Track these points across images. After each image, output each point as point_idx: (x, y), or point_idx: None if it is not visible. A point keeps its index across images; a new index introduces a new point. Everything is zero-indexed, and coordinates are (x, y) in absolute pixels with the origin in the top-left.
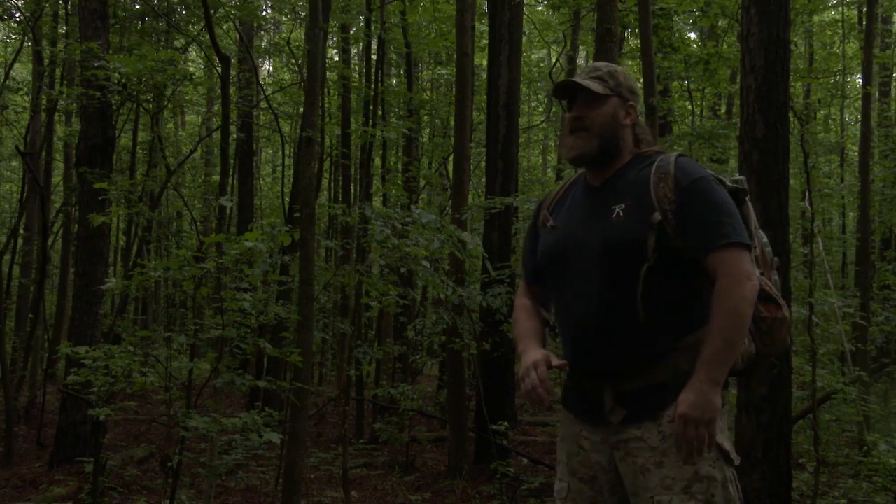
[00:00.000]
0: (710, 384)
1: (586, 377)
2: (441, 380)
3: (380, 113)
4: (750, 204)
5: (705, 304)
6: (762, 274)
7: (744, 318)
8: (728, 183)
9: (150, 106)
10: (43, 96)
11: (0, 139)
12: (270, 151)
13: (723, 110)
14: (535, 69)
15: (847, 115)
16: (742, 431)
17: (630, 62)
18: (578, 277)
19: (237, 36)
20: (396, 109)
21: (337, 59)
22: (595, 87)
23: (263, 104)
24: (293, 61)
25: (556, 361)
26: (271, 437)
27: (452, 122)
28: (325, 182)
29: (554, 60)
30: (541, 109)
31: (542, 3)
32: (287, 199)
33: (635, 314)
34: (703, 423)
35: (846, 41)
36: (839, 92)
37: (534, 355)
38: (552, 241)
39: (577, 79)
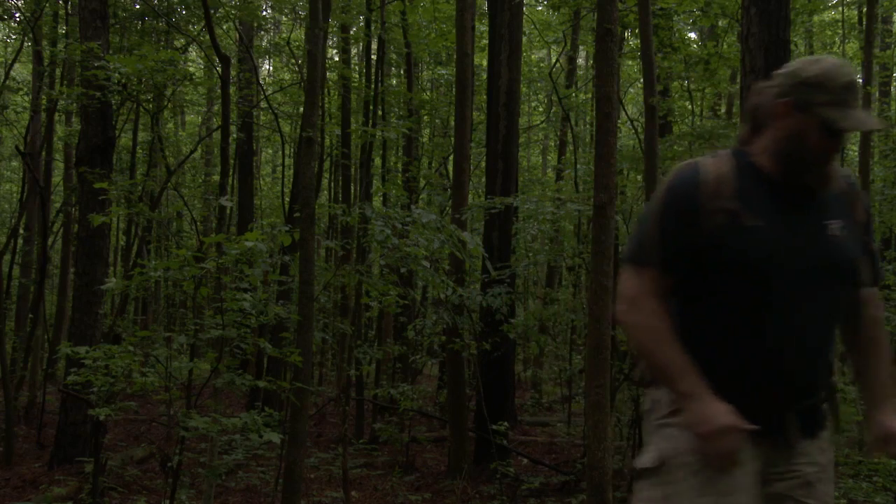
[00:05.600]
0: None
1: (774, 398)
2: (441, 380)
3: (380, 113)
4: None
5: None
6: None
7: None
8: None
9: (150, 106)
10: (43, 96)
11: (0, 139)
12: (270, 151)
13: (723, 110)
14: (535, 69)
15: None
16: None
17: (630, 62)
18: (796, 296)
19: (237, 36)
20: (396, 109)
21: (337, 59)
22: (872, 119)
23: (263, 104)
24: (293, 61)
25: (744, 426)
26: (271, 437)
27: (452, 122)
28: (325, 182)
29: (554, 60)
30: (541, 109)
31: (542, 2)
32: (287, 199)
33: (834, 336)
34: None
35: (846, 41)
36: None
37: (724, 415)
38: (757, 244)
39: (864, 125)
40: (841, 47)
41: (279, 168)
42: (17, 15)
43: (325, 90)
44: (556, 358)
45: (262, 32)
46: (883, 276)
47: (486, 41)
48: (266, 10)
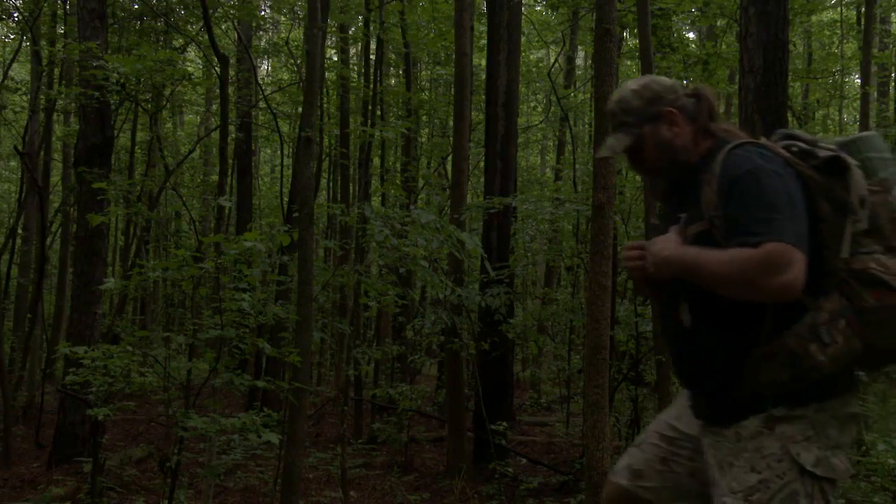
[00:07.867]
0: (681, 250)
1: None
2: (440, 380)
3: (378, 113)
4: (856, 172)
5: (780, 314)
6: (883, 252)
7: (733, 272)
8: (821, 154)
9: (149, 106)
10: (41, 96)
11: None
12: (269, 151)
13: (721, 110)
14: (533, 69)
15: (846, 116)
16: None
17: (629, 62)
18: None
19: (236, 36)
20: (395, 109)
21: (336, 59)
22: (621, 143)
23: (262, 104)
24: (292, 61)
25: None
26: (270, 438)
27: (451, 122)
28: (323, 182)
29: (553, 60)
30: (539, 109)
31: (540, 2)
32: (286, 199)
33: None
34: (652, 257)
35: (845, 41)
36: (838, 92)
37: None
38: None
39: (603, 152)
40: (839, 47)
41: (278, 168)
42: (15, 15)
43: (324, 90)
44: (555, 358)
45: (261, 32)
46: (763, 233)
47: (484, 41)
48: (264, 10)
